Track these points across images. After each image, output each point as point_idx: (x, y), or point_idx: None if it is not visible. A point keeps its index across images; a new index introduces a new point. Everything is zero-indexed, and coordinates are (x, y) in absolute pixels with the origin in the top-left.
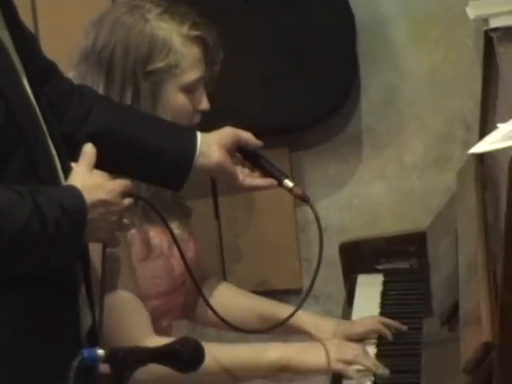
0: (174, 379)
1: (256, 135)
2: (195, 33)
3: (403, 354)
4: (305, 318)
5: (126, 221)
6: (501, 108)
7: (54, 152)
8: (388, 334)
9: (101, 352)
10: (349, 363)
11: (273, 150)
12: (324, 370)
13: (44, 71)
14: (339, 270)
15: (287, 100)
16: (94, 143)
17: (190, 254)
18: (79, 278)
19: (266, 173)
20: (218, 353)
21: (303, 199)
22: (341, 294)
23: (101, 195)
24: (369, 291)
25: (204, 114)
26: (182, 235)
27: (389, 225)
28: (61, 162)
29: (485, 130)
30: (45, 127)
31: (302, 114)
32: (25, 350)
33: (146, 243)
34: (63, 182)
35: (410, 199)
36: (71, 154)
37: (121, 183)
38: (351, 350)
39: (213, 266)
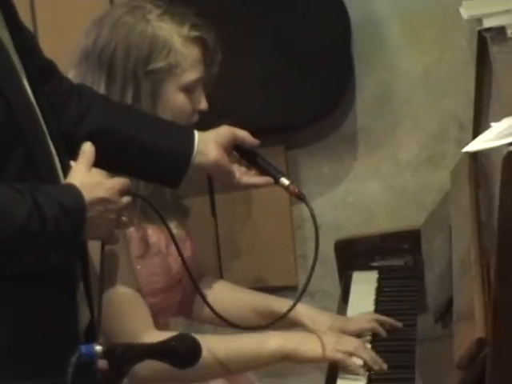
0: (173, 374)
1: (252, 134)
2: (195, 34)
3: (398, 350)
4: (302, 311)
5: (124, 218)
6: (494, 107)
7: (53, 151)
8: (382, 332)
9: (98, 348)
10: (349, 354)
11: (269, 149)
12: (324, 360)
13: (43, 71)
14: (334, 267)
15: (283, 99)
16: (93, 142)
17: (187, 252)
18: (77, 274)
19: (262, 171)
20: (219, 344)
21: (299, 197)
22: (336, 291)
23: (100, 193)
24: (364, 288)
25: (201, 113)
26: (179, 234)
27: (383, 222)
28: (60, 160)
29: (478, 129)
30: (44, 126)
31: (298, 113)
32: (23, 347)
33: (144, 241)
34: (62, 181)
35: (405, 197)
36: (70, 153)
37: (119, 181)
38: (351, 343)
39: (209, 264)
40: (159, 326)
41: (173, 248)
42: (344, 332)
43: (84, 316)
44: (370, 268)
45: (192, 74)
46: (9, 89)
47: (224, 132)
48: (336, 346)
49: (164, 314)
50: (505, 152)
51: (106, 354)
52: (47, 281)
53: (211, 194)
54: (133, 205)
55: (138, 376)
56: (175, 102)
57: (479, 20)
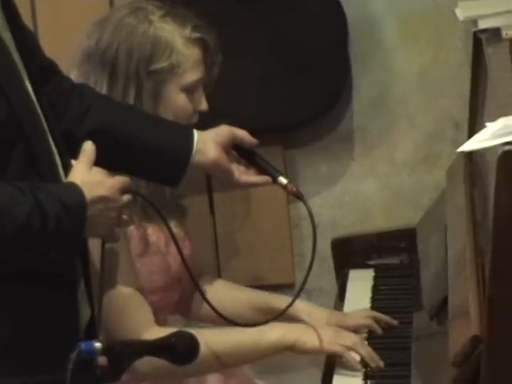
0: (172, 370)
1: (251, 133)
2: (197, 35)
3: (394, 347)
4: (300, 307)
5: (124, 217)
6: (489, 107)
7: (54, 150)
8: (378, 329)
9: (98, 345)
10: (347, 348)
11: (267, 148)
12: (322, 352)
13: (44, 71)
14: (331, 265)
15: (281, 99)
16: (94, 141)
17: (185, 252)
18: (78, 273)
19: (261, 170)
20: (216, 338)
21: (297, 196)
22: (333, 289)
23: (100, 192)
24: (360, 286)
25: (201, 113)
26: (178, 234)
27: (380, 221)
28: (61, 159)
29: (473, 128)
30: (45, 125)
31: (296, 113)
32: (24, 345)
33: (144, 240)
34: (63, 179)
35: (401, 196)
36: (71, 152)
37: (120, 180)
38: (350, 338)
39: (208, 262)
40: (158, 323)
41: (172, 247)
42: (341, 327)
43: (85, 314)
44: (366, 266)
45: (193, 75)
46: (10, 88)
47: (223, 131)
48: (335, 339)
49: (162, 312)
50: (500, 152)
51: (105, 351)
52: (48, 279)
53: (210, 192)
54: (133, 203)
55: (138, 372)
56: (176, 102)
57: (474, 21)
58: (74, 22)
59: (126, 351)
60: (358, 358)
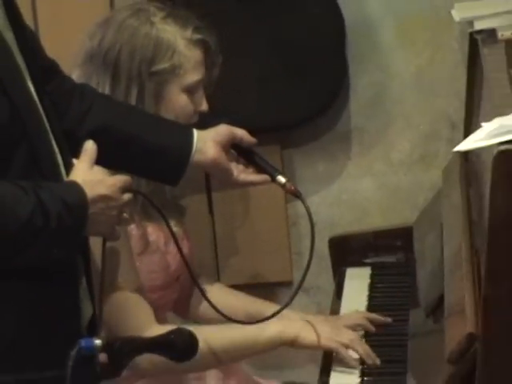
0: (171, 367)
1: (250, 133)
2: (198, 36)
3: (390, 344)
4: (293, 316)
5: (125, 215)
6: (485, 107)
7: (56, 149)
8: (373, 329)
9: (98, 342)
10: (344, 345)
11: (265, 148)
12: (320, 348)
13: (46, 71)
14: (329, 263)
15: (279, 99)
16: (95, 140)
17: (184, 251)
18: (80, 270)
19: (259, 169)
20: (215, 334)
21: (295, 194)
22: (330, 287)
23: (101, 190)
24: (357, 284)
25: (201, 112)
26: (177, 233)
27: (376, 220)
28: (63, 158)
29: (469, 128)
30: (47, 125)
31: (294, 113)
32: (27, 341)
33: (144, 238)
34: (65, 178)
35: (397, 195)
36: (73, 151)
37: (120, 179)
38: (347, 335)
39: (206, 261)
40: (158, 321)
41: (171, 246)
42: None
43: (87, 311)
44: (363, 264)
45: (194, 76)
46: (13, 88)
47: (222, 131)
48: (332, 335)
49: (162, 311)
50: (495, 151)
51: (105, 348)
52: (50, 276)
53: (208, 191)
54: (134, 202)
55: (138, 368)
56: (178, 102)
57: (470, 22)
58: (75, 22)
59: (126, 348)
60: (355, 355)
